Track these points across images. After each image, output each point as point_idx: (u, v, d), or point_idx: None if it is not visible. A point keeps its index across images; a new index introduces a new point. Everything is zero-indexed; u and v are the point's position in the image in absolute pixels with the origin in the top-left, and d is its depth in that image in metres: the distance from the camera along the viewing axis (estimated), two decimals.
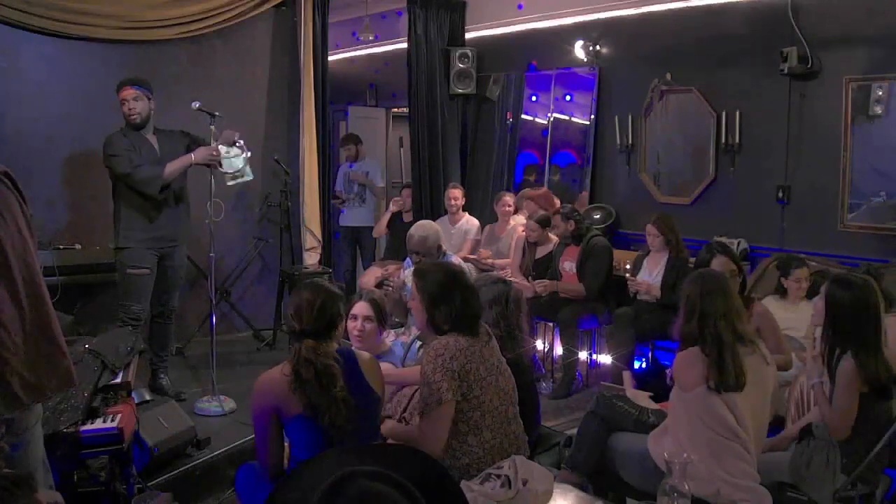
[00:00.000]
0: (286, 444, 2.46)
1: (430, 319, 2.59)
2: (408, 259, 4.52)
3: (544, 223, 5.25)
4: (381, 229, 6.53)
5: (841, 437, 2.61)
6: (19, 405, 2.01)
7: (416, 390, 2.72)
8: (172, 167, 4.05)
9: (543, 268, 5.23)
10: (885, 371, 2.61)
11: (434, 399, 2.42)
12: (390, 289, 5.10)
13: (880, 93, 4.47)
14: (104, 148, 4.05)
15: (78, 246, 4.78)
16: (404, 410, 2.86)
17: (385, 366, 2.93)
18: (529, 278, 5.15)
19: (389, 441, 2.57)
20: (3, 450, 1.94)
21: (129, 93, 4.07)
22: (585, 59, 6.14)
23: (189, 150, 4.24)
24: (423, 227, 4.30)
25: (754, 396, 2.53)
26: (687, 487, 2.06)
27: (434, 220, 5.87)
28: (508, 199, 5.84)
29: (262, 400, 2.30)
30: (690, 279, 2.72)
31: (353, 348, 2.53)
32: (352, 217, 6.90)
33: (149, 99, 4.14)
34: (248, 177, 4.35)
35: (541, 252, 5.31)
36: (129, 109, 4.08)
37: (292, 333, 2.37)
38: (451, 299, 2.54)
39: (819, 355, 2.83)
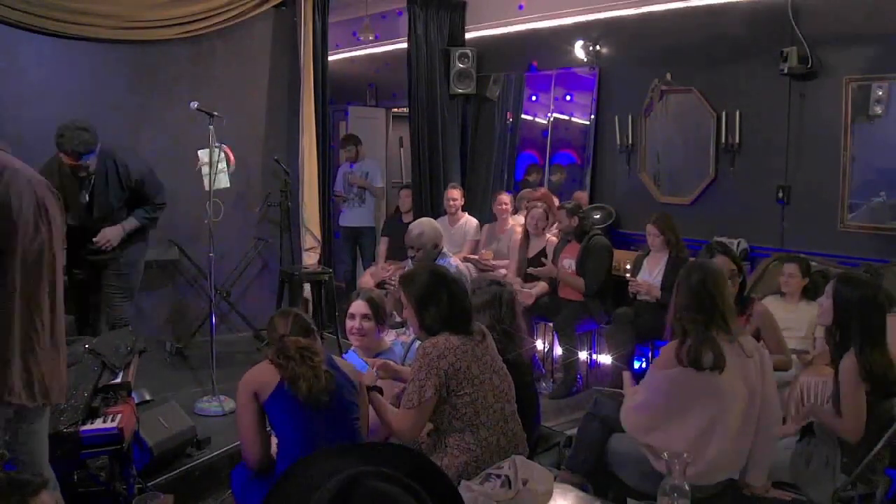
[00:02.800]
0: (272, 436, 2.52)
1: (421, 323, 2.61)
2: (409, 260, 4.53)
3: (547, 215, 5.30)
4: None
5: (856, 439, 2.60)
6: (33, 403, 2.10)
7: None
8: None
9: (537, 266, 5.24)
10: (889, 368, 2.61)
11: (416, 397, 2.48)
12: (393, 287, 5.10)
13: (880, 93, 4.47)
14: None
15: None
16: None
17: (387, 362, 2.95)
18: (528, 278, 5.17)
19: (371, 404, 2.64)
20: (2, 456, 1.96)
21: (72, 162, 3.75)
22: (585, 59, 6.13)
23: (129, 206, 4.05)
24: (420, 224, 4.32)
25: (736, 384, 2.54)
26: (687, 488, 2.06)
27: (434, 220, 5.89)
28: (504, 198, 5.83)
29: (243, 390, 2.46)
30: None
31: (329, 353, 2.58)
32: (352, 217, 6.90)
33: (95, 154, 3.84)
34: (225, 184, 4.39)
35: (533, 250, 5.32)
36: (78, 175, 3.86)
37: (274, 342, 2.51)
38: (437, 299, 2.58)
39: (820, 354, 2.83)
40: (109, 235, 4.04)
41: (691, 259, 3.89)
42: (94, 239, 3.96)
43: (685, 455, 2.09)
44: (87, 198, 3.96)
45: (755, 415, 2.59)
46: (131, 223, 4.13)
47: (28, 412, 2.12)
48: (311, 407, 2.36)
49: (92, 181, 3.95)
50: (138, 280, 4.37)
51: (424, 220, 4.49)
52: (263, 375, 2.44)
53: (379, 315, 3.20)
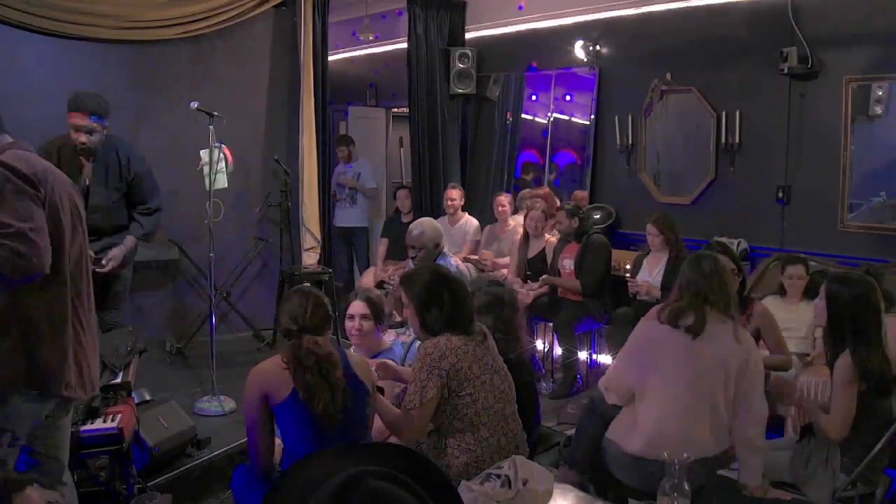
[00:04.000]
0: (278, 438, 2.49)
1: (422, 323, 2.60)
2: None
3: (549, 215, 5.30)
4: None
5: (838, 437, 2.61)
6: (84, 395, 2.24)
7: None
8: None
9: (537, 267, 5.24)
10: (886, 366, 2.61)
11: (418, 397, 2.47)
12: (393, 287, 5.11)
13: (880, 93, 4.47)
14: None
15: None
16: None
17: (387, 361, 2.95)
18: (528, 279, 5.17)
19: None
20: (4, 462, 1.98)
21: (82, 122, 3.55)
22: (585, 59, 6.14)
23: (126, 197, 3.94)
24: (421, 224, 4.33)
25: (709, 351, 2.56)
26: (687, 487, 2.06)
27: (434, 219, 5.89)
28: (503, 199, 5.84)
29: (252, 388, 2.36)
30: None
31: (342, 348, 2.55)
32: (344, 217, 6.91)
33: (104, 127, 3.69)
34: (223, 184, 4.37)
35: (533, 250, 5.33)
36: (80, 141, 3.61)
37: (288, 335, 2.38)
38: (439, 300, 2.57)
39: (820, 354, 2.83)
40: (114, 254, 3.87)
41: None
42: (102, 263, 3.79)
43: (686, 456, 2.09)
44: (87, 182, 3.82)
45: (727, 399, 2.58)
46: (130, 242, 3.97)
47: (61, 409, 2.19)
48: (325, 422, 2.27)
49: (92, 169, 3.84)
50: (129, 283, 4.27)
51: (424, 219, 4.49)
52: (276, 379, 2.31)
53: (378, 315, 3.20)
